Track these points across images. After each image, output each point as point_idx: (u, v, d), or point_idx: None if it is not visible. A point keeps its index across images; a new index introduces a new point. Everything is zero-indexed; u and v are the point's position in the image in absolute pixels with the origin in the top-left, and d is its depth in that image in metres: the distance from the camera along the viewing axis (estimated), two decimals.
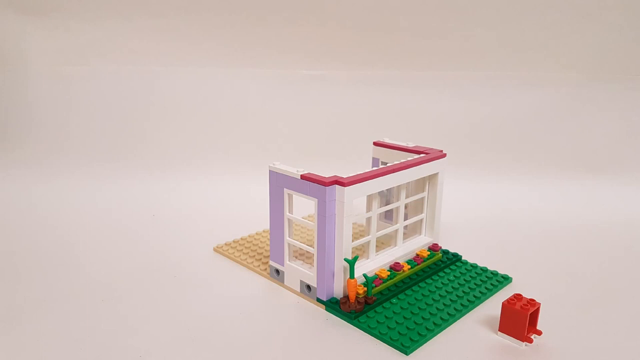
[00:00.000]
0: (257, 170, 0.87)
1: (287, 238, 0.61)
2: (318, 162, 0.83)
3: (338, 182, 0.55)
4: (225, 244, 0.75)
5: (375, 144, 0.75)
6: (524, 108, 1.01)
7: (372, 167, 0.75)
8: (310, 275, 0.60)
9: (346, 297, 0.57)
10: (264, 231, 0.79)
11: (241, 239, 0.77)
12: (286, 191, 0.60)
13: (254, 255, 0.71)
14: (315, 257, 0.58)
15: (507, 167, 1.00)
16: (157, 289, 0.63)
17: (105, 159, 1.01)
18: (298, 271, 0.61)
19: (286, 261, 0.62)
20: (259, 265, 0.68)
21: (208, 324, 0.55)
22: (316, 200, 0.56)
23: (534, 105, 1.01)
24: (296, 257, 0.66)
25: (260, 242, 0.75)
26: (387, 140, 0.74)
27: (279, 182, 0.60)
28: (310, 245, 0.60)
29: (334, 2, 0.97)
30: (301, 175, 0.57)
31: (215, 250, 0.74)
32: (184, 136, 1.04)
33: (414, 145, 0.72)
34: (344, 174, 0.57)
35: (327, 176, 0.57)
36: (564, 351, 0.51)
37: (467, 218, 0.86)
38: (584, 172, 0.98)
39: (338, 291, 0.59)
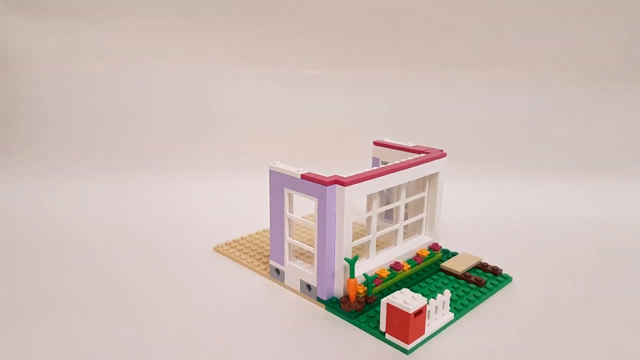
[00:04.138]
0: (257, 170, 0.87)
1: (288, 238, 0.61)
2: (318, 162, 0.83)
3: (338, 181, 0.55)
4: (225, 244, 0.75)
5: (375, 143, 0.75)
6: (523, 108, 1.01)
7: (372, 166, 0.75)
8: (310, 274, 0.60)
9: (346, 296, 0.57)
10: (264, 231, 0.79)
11: (241, 238, 0.77)
12: (286, 191, 0.60)
13: (254, 255, 0.71)
14: (315, 257, 0.58)
15: (507, 166, 1.00)
16: (156, 288, 0.63)
17: (106, 159, 1.01)
18: (298, 271, 0.61)
19: (286, 261, 0.62)
20: (259, 265, 0.68)
21: (208, 323, 0.55)
22: (316, 200, 0.56)
23: (534, 105, 1.01)
24: (296, 257, 0.66)
25: (260, 241, 0.75)
26: (388, 140, 0.74)
27: (279, 182, 0.60)
28: (311, 245, 0.60)
29: (334, 2, 0.97)
30: (301, 174, 0.57)
31: (215, 249, 0.74)
32: (184, 135, 1.04)
33: (414, 144, 0.72)
34: (344, 173, 0.57)
35: (327, 176, 0.57)
36: (565, 351, 0.51)
37: (467, 217, 0.87)
38: (584, 171, 0.98)
39: (338, 291, 0.59)
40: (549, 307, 0.59)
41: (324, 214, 0.56)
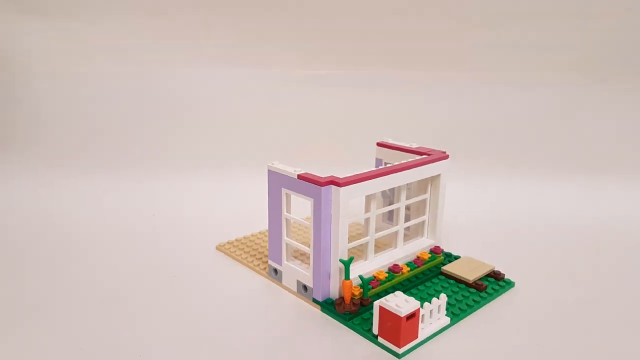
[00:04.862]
0: (261, 170, 0.85)
1: (285, 238, 0.61)
2: (322, 163, 0.83)
3: (334, 182, 0.55)
4: (228, 242, 0.75)
5: (378, 144, 0.75)
6: (525, 108, 1.00)
7: (376, 167, 0.75)
8: (306, 275, 0.59)
9: (341, 298, 0.57)
10: (267, 230, 0.79)
11: (244, 237, 0.77)
12: (284, 191, 0.59)
13: (255, 254, 0.71)
14: (311, 258, 0.58)
15: (509, 168, 0.98)
16: (157, 288, 0.63)
17: (106, 159, 1.01)
18: (295, 271, 0.61)
19: (284, 261, 0.62)
20: (258, 265, 0.68)
21: (207, 323, 0.56)
22: (312, 200, 0.56)
23: (535, 105, 0.99)
24: (295, 257, 0.65)
25: (263, 241, 0.76)
26: (390, 141, 0.74)
27: (277, 182, 0.60)
28: (308, 246, 0.59)
29: (334, 2, 0.97)
30: (298, 175, 0.57)
31: (217, 248, 0.74)
32: (185, 135, 1.03)
33: (417, 146, 0.71)
34: (346, 174, 0.57)
35: (325, 176, 0.56)
36: (566, 353, 0.50)
37: (469, 219, 0.85)
38: (586, 172, 0.96)
39: (334, 292, 0.58)
40: (550, 312, 0.58)
41: (319, 215, 0.55)
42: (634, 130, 0.97)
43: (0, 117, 1.02)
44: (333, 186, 0.55)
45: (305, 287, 0.60)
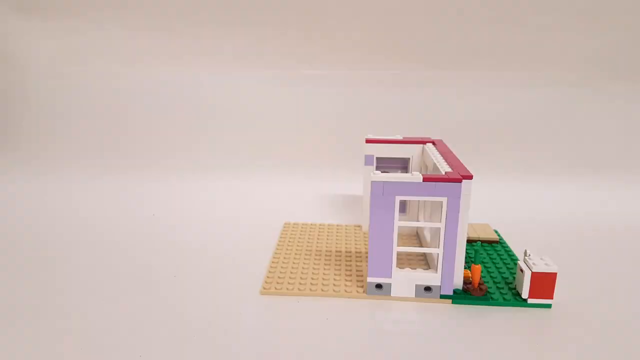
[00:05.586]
0: (261, 169, 0.88)
1: (396, 247, 0.59)
2: (321, 163, 0.78)
3: (464, 176, 0.57)
4: (267, 281, 0.63)
5: (367, 140, 0.76)
6: (525, 108, 1.00)
7: (366, 164, 0.77)
8: (427, 276, 0.60)
9: (467, 284, 0.60)
10: (291, 252, 0.69)
11: (271, 266, 0.66)
12: (398, 198, 0.57)
13: (309, 280, 0.63)
14: (440, 256, 0.59)
15: (509, 167, 0.99)
16: (157, 288, 0.62)
17: (105, 159, 1.01)
18: (411, 277, 0.60)
19: (394, 272, 0.60)
20: (324, 290, 0.61)
21: (206, 323, 0.55)
22: (446, 198, 0.57)
23: (536, 105, 1.00)
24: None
25: (294, 262, 0.67)
26: (374, 136, 0.77)
27: (388, 191, 0.57)
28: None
29: (334, 2, 0.94)
30: (423, 177, 0.56)
31: (262, 293, 0.61)
32: (184, 135, 1.03)
33: (402, 137, 0.77)
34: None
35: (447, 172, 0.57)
36: (568, 354, 0.52)
37: (471, 220, 0.80)
38: (587, 171, 0.97)
39: (458, 283, 0.61)
40: (554, 311, 0.59)
41: (455, 211, 0.57)
42: (635, 130, 0.99)
43: None
44: (465, 180, 0.57)
45: (427, 288, 0.60)
